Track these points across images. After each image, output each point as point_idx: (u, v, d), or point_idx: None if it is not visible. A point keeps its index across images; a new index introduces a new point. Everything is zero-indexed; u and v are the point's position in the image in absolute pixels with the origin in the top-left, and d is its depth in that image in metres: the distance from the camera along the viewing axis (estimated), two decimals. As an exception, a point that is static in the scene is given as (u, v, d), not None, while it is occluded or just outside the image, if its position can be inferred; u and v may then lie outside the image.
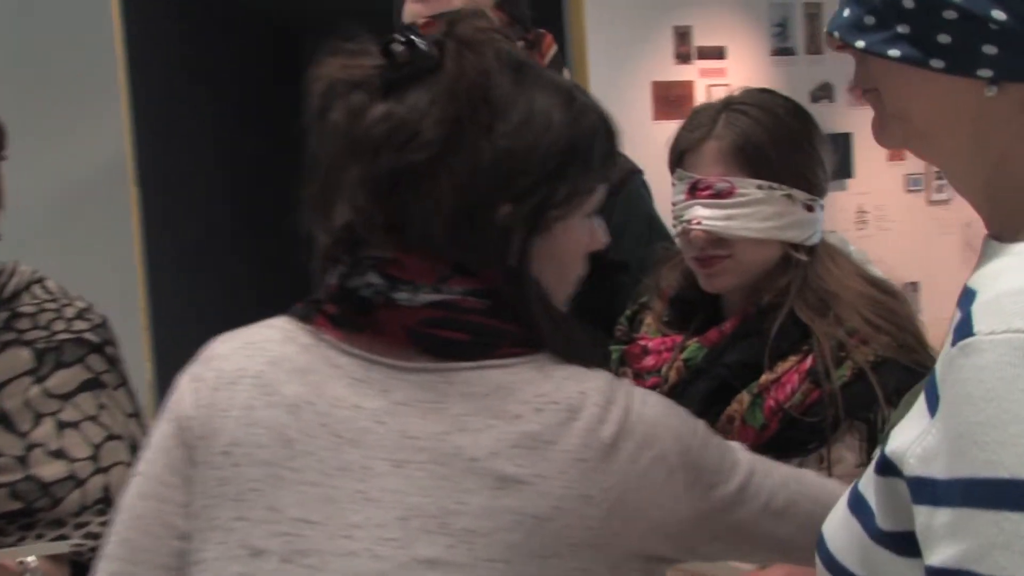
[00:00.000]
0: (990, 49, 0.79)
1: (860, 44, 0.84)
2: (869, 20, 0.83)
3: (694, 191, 1.46)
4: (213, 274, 4.19)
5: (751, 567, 1.28)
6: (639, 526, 0.97)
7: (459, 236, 0.99)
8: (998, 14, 0.78)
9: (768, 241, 1.45)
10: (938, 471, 0.73)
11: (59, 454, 1.43)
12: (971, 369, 0.72)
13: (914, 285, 4.23)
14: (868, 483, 0.83)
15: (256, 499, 0.97)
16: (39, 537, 1.41)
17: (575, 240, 1.06)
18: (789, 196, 1.44)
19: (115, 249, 3.70)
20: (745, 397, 1.42)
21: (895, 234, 4.60)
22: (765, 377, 1.42)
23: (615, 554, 0.96)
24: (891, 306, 1.45)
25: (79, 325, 1.50)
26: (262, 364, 1.02)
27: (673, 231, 1.55)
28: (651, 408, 1.00)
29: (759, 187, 1.43)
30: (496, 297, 1.00)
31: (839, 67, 4.34)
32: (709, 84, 4.25)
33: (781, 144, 1.46)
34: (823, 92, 4.50)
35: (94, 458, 1.45)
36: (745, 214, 1.43)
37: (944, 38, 0.80)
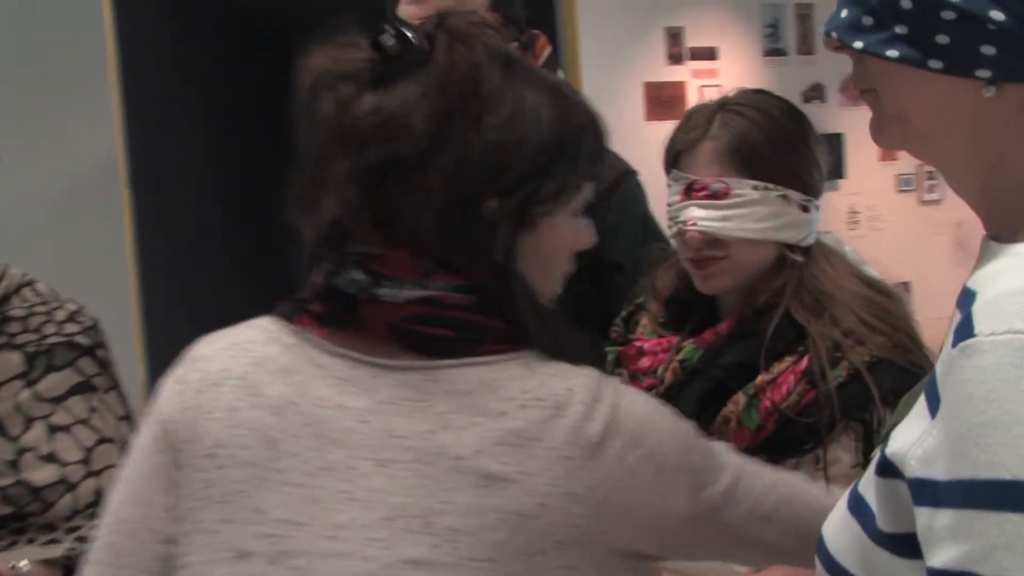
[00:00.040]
0: (988, 50, 0.78)
1: (858, 45, 0.84)
2: (867, 21, 0.83)
3: (690, 192, 1.46)
4: (205, 274, 4.18)
5: (748, 568, 1.28)
6: (625, 524, 0.96)
7: (448, 230, 0.98)
8: (996, 14, 0.78)
9: (764, 242, 1.45)
10: (939, 472, 0.73)
11: (50, 458, 1.43)
12: (972, 370, 0.71)
13: (906, 285, 4.24)
14: (868, 484, 0.82)
15: (241, 501, 0.97)
16: (30, 541, 1.40)
17: (561, 237, 1.05)
18: (785, 197, 1.44)
19: (107, 250, 3.70)
20: (741, 398, 1.42)
21: (887, 234, 4.61)
22: (761, 378, 1.42)
23: (601, 552, 0.96)
24: (887, 306, 1.44)
25: (70, 328, 1.50)
26: (246, 365, 1.01)
27: (669, 232, 1.54)
28: (639, 407, 0.99)
29: (755, 188, 1.43)
30: (481, 293, 0.99)
31: (831, 68, 4.35)
32: (701, 85, 4.26)
33: (777, 145, 1.45)
34: (815, 92, 4.50)
35: (85, 462, 1.44)
36: (741, 215, 1.43)
37: (942, 38, 0.80)
